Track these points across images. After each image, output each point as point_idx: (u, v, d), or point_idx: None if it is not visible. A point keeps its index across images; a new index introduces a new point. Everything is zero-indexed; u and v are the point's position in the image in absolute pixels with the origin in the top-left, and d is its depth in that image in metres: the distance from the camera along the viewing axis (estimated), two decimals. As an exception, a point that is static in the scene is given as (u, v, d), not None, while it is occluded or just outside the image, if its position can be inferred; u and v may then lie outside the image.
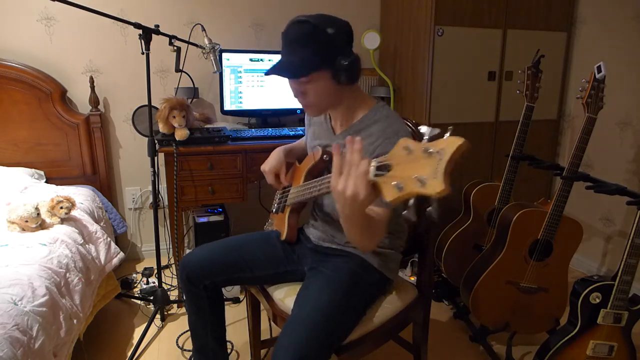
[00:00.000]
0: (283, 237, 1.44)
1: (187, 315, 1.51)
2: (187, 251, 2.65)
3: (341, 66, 1.15)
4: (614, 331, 1.50)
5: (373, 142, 1.20)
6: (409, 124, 1.54)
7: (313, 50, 1.15)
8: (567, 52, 2.62)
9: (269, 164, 1.45)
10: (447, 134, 0.73)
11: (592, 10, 2.50)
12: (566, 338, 1.52)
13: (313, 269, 1.37)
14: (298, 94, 1.24)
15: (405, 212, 0.77)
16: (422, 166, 0.73)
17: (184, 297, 1.46)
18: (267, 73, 1.19)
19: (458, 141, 0.69)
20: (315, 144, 1.40)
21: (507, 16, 2.41)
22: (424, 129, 0.77)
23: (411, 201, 0.75)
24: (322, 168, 1.35)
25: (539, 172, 2.58)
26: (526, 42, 2.48)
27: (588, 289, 1.47)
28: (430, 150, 0.72)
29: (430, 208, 0.73)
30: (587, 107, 1.59)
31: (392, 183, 0.76)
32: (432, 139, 0.75)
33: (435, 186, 0.70)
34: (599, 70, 1.55)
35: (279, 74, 1.19)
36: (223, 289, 1.55)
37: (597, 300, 1.47)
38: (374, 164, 0.83)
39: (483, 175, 2.57)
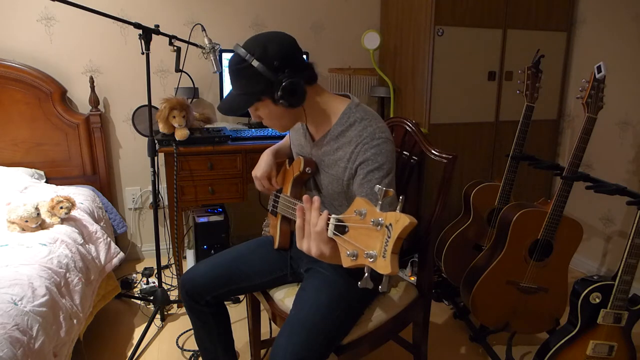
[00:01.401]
0: (276, 245, 1.44)
1: (192, 328, 1.50)
2: (187, 251, 2.66)
3: (278, 92, 1.11)
4: (614, 331, 1.50)
5: (352, 149, 1.18)
6: (408, 123, 1.54)
7: (245, 83, 1.14)
8: (567, 52, 2.62)
9: (261, 169, 1.42)
10: (399, 205, 0.75)
11: (592, 10, 2.50)
12: (566, 338, 1.52)
13: (310, 270, 1.37)
14: (256, 118, 1.24)
15: (359, 283, 0.79)
16: (372, 239, 0.76)
17: (188, 314, 1.47)
18: (218, 109, 1.20)
19: (404, 222, 0.71)
20: (297, 151, 1.40)
21: (507, 16, 2.41)
22: (377, 188, 0.79)
23: (366, 273, 0.78)
24: (306, 179, 1.35)
25: (539, 172, 2.58)
26: (526, 42, 2.48)
27: (588, 289, 1.47)
28: (380, 221, 0.75)
29: (382, 282, 0.76)
30: (587, 107, 1.59)
31: (347, 251, 0.80)
32: (384, 205, 0.78)
33: (383, 267, 0.73)
34: (599, 70, 1.55)
35: (225, 112, 1.19)
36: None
37: (597, 300, 1.47)
38: (332, 221, 0.87)
39: (483, 175, 2.57)
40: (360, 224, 0.79)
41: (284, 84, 1.10)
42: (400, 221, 0.71)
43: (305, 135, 1.33)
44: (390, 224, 0.73)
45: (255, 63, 1.10)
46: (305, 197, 0.94)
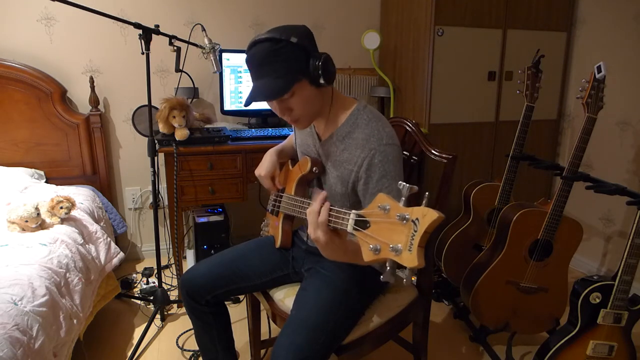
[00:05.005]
0: (277, 244, 1.44)
1: (193, 327, 1.50)
2: (187, 251, 2.66)
3: (316, 69, 1.12)
4: (614, 331, 1.50)
5: (359, 154, 1.18)
6: (408, 123, 1.54)
7: (285, 64, 1.11)
8: (567, 52, 2.62)
9: (265, 168, 1.43)
10: (425, 201, 0.75)
11: (592, 10, 2.50)
12: (566, 338, 1.52)
13: (310, 270, 1.38)
14: (283, 111, 1.20)
15: (382, 276, 0.80)
16: (397, 233, 0.77)
17: (189, 314, 1.47)
18: (248, 103, 1.15)
19: (432, 216, 0.72)
20: (303, 150, 1.40)
21: (507, 16, 2.41)
22: (400, 185, 0.80)
23: (388, 267, 0.79)
24: (311, 179, 1.35)
25: (539, 172, 2.58)
26: (526, 42, 2.48)
27: (588, 289, 1.47)
28: (406, 216, 0.75)
29: (405, 273, 0.77)
30: (587, 107, 1.59)
31: (370, 246, 0.81)
32: (407, 200, 0.78)
33: (409, 260, 0.73)
34: (599, 70, 1.55)
35: (261, 100, 1.14)
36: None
37: (597, 300, 1.47)
38: (353, 216, 0.89)
39: (483, 175, 2.57)
40: (384, 218, 0.80)
41: (324, 55, 1.12)
42: (427, 215, 0.72)
43: (312, 135, 1.33)
44: (417, 219, 0.74)
45: (294, 39, 1.10)
46: (315, 189, 1.00)
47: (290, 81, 1.12)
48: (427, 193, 0.77)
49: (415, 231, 0.73)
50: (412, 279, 0.79)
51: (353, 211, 0.89)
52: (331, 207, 0.98)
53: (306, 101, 1.17)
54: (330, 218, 0.97)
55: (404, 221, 0.75)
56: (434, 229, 0.73)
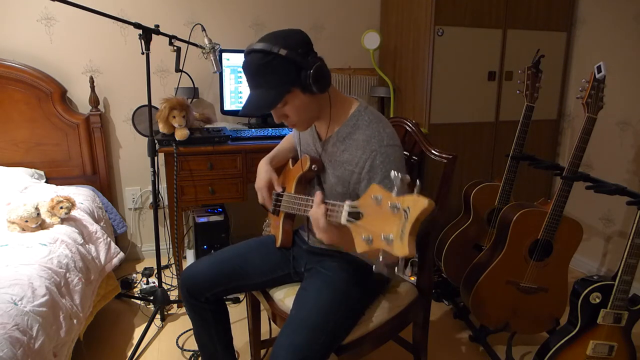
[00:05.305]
0: (278, 243, 1.44)
1: (192, 326, 1.50)
2: (187, 251, 2.66)
3: (307, 78, 1.11)
4: (614, 331, 1.50)
5: (360, 155, 1.18)
6: (408, 123, 1.54)
7: (275, 77, 1.12)
8: (567, 52, 2.62)
9: (262, 180, 1.44)
10: (416, 189, 0.75)
11: (592, 10, 2.50)
12: (566, 338, 1.52)
13: (310, 270, 1.38)
14: (280, 118, 1.22)
15: (374, 267, 0.81)
16: (389, 223, 0.77)
17: (188, 313, 1.47)
18: (242, 113, 1.17)
19: (423, 204, 0.71)
20: (304, 149, 1.40)
21: (507, 16, 2.41)
22: (393, 174, 0.80)
23: (381, 257, 0.79)
24: (311, 177, 1.35)
25: (539, 172, 2.58)
26: (526, 42, 2.48)
27: (588, 289, 1.47)
28: (397, 206, 0.75)
29: (397, 266, 0.78)
30: (587, 107, 1.59)
31: (362, 236, 0.82)
32: (400, 190, 0.78)
33: (400, 249, 0.74)
34: (599, 70, 1.55)
35: (253, 112, 1.16)
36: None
37: (597, 300, 1.47)
38: (347, 208, 0.90)
39: (483, 175, 2.57)
40: (377, 209, 0.81)
41: (316, 65, 1.11)
42: (418, 203, 0.72)
43: (313, 135, 1.34)
44: (408, 207, 0.73)
45: (283, 52, 1.09)
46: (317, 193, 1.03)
47: (281, 92, 1.14)
48: (417, 181, 0.77)
49: (406, 219, 0.73)
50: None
51: (347, 202, 0.90)
52: (326, 201, 0.99)
53: (300, 108, 1.19)
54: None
55: (396, 210, 0.75)
56: (426, 217, 0.72)
